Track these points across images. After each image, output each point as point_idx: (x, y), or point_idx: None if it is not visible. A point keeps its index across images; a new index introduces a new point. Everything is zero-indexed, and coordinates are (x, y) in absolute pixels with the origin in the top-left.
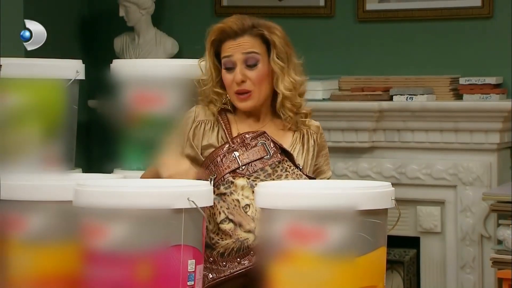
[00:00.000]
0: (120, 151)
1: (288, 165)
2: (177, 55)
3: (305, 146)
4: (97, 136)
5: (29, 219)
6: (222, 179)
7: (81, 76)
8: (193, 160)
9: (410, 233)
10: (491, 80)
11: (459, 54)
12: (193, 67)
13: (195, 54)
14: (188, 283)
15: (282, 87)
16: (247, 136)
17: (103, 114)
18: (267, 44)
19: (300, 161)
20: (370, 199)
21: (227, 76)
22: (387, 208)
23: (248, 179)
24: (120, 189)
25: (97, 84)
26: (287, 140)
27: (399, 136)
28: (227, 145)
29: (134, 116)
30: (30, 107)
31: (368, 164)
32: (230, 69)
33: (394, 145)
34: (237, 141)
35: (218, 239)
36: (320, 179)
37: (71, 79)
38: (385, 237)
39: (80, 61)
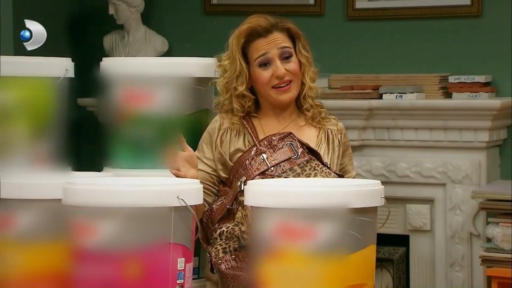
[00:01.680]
0: (110, 149)
1: (316, 164)
2: (167, 53)
3: (331, 146)
4: (87, 134)
5: (19, 218)
6: None
7: (71, 74)
8: (223, 164)
9: (400, 231)
10: (480, 78)
11: (448, 52)
12: (182, 65)
13: (185, 52)
14: (178, 281)
15: (308, 78)
16: (273, 138)
17: (93, 112)
18: (291, 38)
19: (326, 160)
20: (359, 197)
21: (263, 74)
22: (376, 206)
23: None
24: (109, 188)
25: (86, 82)
26: (312, 139)
27: (388, 134)
28: (254, 148)
29: (124, 114)
30: (19, 105)
31: (358, 162)
32: (265, 65)
33: (383, 143)
34: (264, 143)
35: None
36: (346, 178)
37: (60, 77)
38: (374, 235)
39: (70, 59)
